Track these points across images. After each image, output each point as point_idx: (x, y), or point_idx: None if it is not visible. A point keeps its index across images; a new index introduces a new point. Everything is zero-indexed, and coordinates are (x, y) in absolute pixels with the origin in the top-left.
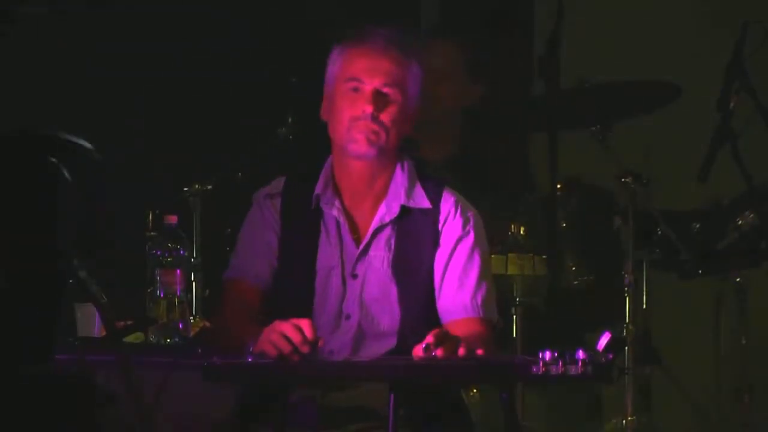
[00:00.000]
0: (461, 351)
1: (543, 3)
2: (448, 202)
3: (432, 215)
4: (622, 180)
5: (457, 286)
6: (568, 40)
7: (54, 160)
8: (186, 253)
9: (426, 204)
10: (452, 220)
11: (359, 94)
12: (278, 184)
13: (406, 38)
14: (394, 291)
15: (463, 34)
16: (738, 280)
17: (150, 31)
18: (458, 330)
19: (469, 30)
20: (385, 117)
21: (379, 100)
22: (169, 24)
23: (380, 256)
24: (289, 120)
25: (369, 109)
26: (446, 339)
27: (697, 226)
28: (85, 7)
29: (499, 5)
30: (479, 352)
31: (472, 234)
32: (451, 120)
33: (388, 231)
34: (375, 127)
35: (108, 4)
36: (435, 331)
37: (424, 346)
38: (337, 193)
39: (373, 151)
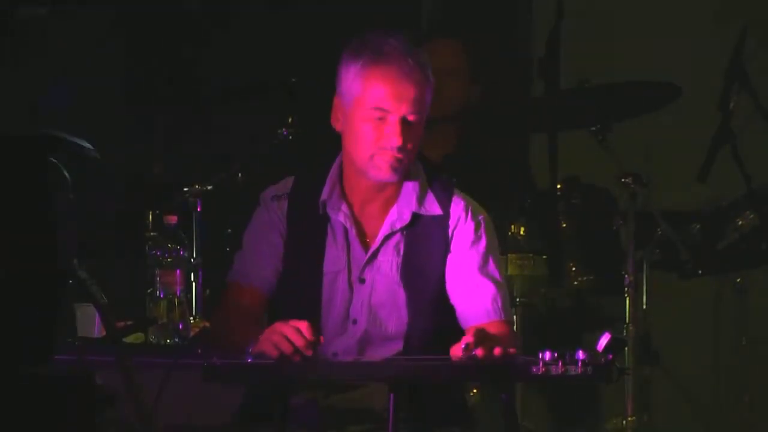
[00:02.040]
0: (497, 351)
1: (543, 3)
2: (458, 206)
3: (442, 220)
4: (622, 180)
5: (477, 291)
6: (568, 40)
7: (54, 160)
8: (186, 254)
9: (437, 211)
10: (463, 224)
11: (385, 123)
12: (286, 184)
13: (418, 49)
14: (402, 296)
15: (464, 34)
16: (738, 280)
17: (150, 31)
18: None
19: (469, 30)
20: (411, 145)
21: (405, 129)
22: (169, 24)
23: (389, 260)
24: (289, 120)
25: (397, 142)
26: (486, 338)
27: (697, 226)
28: (85, 7)
29: (499, 5)
30: (512, 351)
31: (484, 237)
32: (451, 120)
33: (397, 236)
34: (401, 156)
35: (109, 4)
36: (474, 330)
37: (463, 345)
38: (344, 197)
39: (395, 177)
